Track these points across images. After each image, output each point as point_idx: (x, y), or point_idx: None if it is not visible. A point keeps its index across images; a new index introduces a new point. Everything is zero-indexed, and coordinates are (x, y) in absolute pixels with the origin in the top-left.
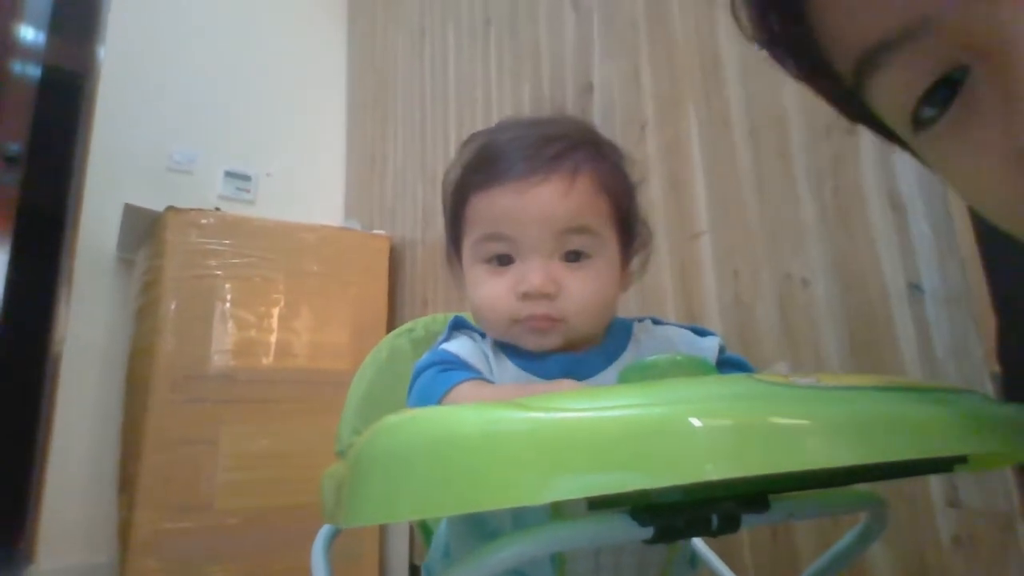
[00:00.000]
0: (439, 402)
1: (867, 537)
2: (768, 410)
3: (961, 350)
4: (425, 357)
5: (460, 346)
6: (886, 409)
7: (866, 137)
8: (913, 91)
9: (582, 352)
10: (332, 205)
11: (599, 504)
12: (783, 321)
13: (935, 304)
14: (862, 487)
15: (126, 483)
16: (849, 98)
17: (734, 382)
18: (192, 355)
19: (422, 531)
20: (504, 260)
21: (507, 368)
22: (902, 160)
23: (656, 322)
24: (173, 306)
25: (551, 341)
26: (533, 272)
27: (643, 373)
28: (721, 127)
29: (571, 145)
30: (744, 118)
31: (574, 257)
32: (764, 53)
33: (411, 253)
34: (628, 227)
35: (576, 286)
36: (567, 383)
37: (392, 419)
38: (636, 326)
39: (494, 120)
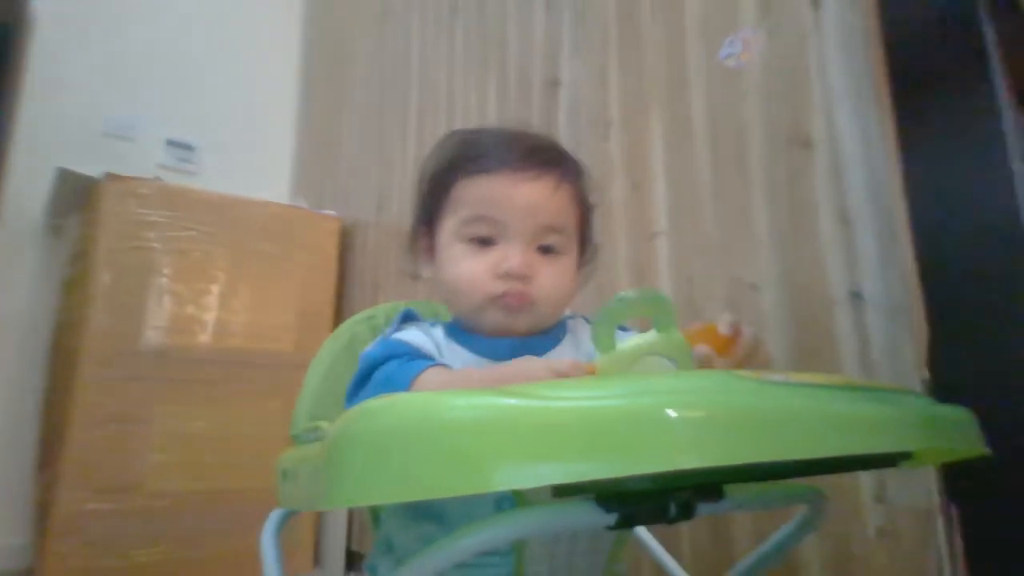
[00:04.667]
0: (409, 388)
1: (805, 527)
2: (742, 403)
3: (895, 355)
4: (376, 348)
5: (412, 336)
6: (850, 407)
7: (821, 153)
8: None
9: (527, 338)
10: (278, 182)
11: (565, 491)
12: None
13: (875, 312)
14: (803, 480)
15: (47, 461)
16: None
17: (711, 376)
18: (125, 330)
19: (374, 522)
20: (485, 242)
21: (458, 354)
22: (853, 177)
23: (586, 320)
24: (106, 278)
25: (519, 321)
26: (515, 254)
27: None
28: (683, 133)
29: (558, 158)
30: (706, 126)
31: (546, 250)
32: (729, 64)
33: (363, 236)
34: (584, 241)
35: (547, 274)
36: (532, 360)
37: (376, 403)
38: (569, 322)
39: (457, 108)
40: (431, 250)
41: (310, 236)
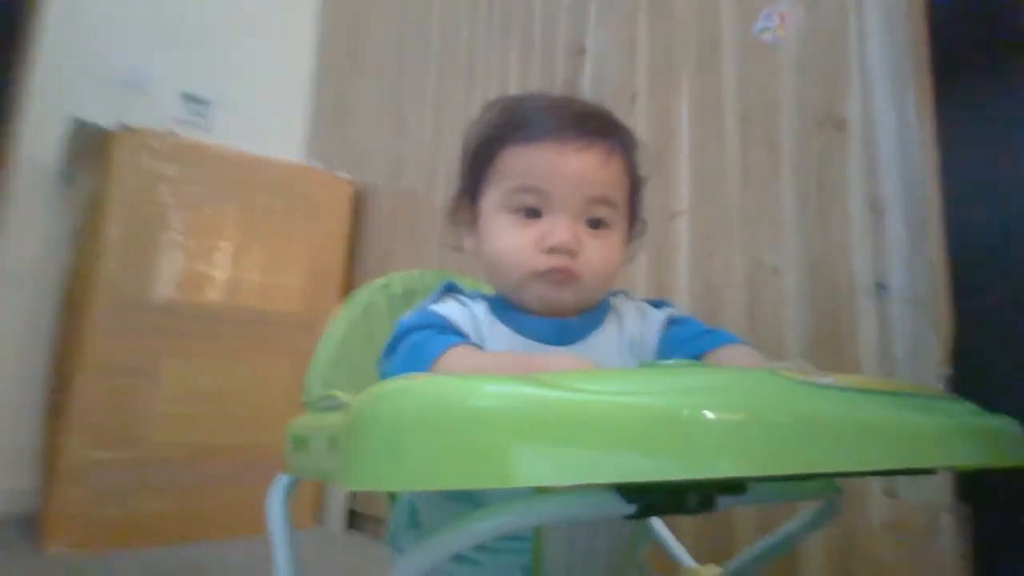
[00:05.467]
0: (432, 365)
1: (819, 520)
2: (788, 407)
3: (918, 350)
4: (412, 317)
5: (449, 309)
6: (900, 417)
7: (855, 135)
8: None
9: (570, 318)
10: (293, 141)
11: None
12: (750, 307)
13: (899, 304)
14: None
15: (56, 409)
16: None
17: (755, 375)
18: (136, 283)
19: (391, 494)
20: (532, 213)
21: (499, 331)
22: (887, 163)
23: (627, 296)
24: (118, 231)
25: (565, 295)
26: (562, 228)
27: None
28: (713, 108)
29: (611, 127)
30: (737, 102)
31: (595, 224)
32: (763, 38)
33: (375, 201)
34: (634, 213)
35: (595, 249)
36: (563, 356)
37: (396, 385)
38: (612, 300)
39: (477, 72)
40: (473, 222)
41: (323, 198)
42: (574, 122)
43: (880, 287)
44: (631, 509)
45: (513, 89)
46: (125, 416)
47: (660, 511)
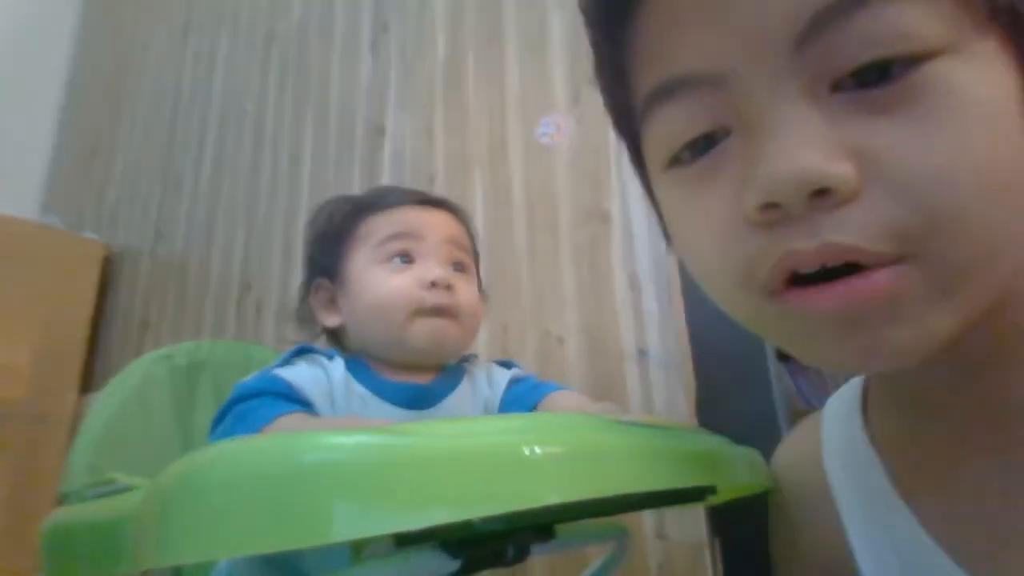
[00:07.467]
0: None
1: (614, 562)
2: (602, 440)
3: (673, 405)
4: (250, 381)
5: (296, 373)
6: (689, 445)
7: (616, 226)
8: (686, 132)
9: (426, 382)
10: (24, 193)
11: (408, 539)
12: (542, 372)
13: (657, 367)
14: (614, 519)
15: None
16: (625, 111)
17: (571, 417)
18: None
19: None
20: (405, 259)
21: (355, 392)
22: (641, 248)
23: (478, 359)
24: None
25: (450, 332)
26: (436, 267)
27: None
28: (503, 197)
29: (448, 201)
30: (523, 193)
31: (459, 267)
32: (543, 142)
33: (132, 266)
34: (479, 280)
35: (464, 288)
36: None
37: (221, 446)
38: (466, 364)
39: (267, 133)
40: (334, 300)
41: (62, 262)
42: (421, 194)
43: (641, 353)
44: (456, 565)
45: (309, 158)
46: None
47: (482, 564)
